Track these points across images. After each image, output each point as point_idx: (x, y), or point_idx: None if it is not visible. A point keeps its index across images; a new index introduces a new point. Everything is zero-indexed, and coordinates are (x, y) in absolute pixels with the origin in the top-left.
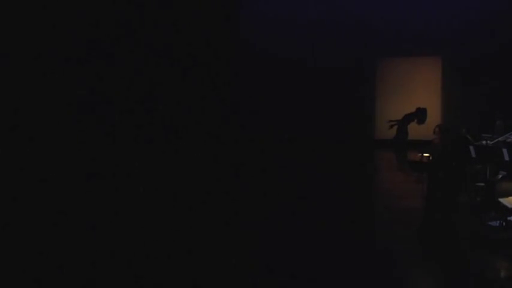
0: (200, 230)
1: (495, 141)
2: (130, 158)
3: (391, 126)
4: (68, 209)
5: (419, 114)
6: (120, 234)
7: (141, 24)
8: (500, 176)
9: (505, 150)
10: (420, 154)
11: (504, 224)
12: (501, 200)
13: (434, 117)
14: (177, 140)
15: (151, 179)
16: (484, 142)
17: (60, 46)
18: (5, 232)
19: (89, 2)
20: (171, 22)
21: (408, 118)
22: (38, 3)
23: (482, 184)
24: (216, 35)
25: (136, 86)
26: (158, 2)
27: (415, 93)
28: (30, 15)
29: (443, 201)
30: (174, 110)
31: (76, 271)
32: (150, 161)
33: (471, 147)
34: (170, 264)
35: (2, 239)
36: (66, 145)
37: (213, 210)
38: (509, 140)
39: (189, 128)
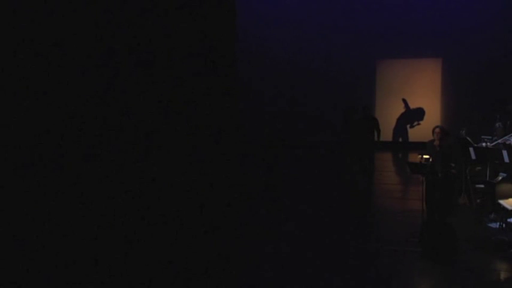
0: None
1: (495, 143)
2: (131, 157)
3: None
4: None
5: (418, 114)
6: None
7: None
8: (500, 178)
9: (504, 152)
10: (420, 156)
11: (504, 225)
12: (501, 201)
13: (434, 118)
14: (175, 140)
15: (151, 179)
16: (483, 144)
17: (57, 44)
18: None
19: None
20: (169, 21)
21: (407, 117)
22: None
23: (482, 186)
24: (214, 33)
25: (135, 86)
26: (154, 4)
27: (415, 95)
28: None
29: (443, 203)
30: (167, 109)
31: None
32: (151, 162)
33: (471, 149)
34: (167, 265)
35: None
36: (63, 144)
37: (211, 211)
38: (508, 142)
39: (186, 127)
